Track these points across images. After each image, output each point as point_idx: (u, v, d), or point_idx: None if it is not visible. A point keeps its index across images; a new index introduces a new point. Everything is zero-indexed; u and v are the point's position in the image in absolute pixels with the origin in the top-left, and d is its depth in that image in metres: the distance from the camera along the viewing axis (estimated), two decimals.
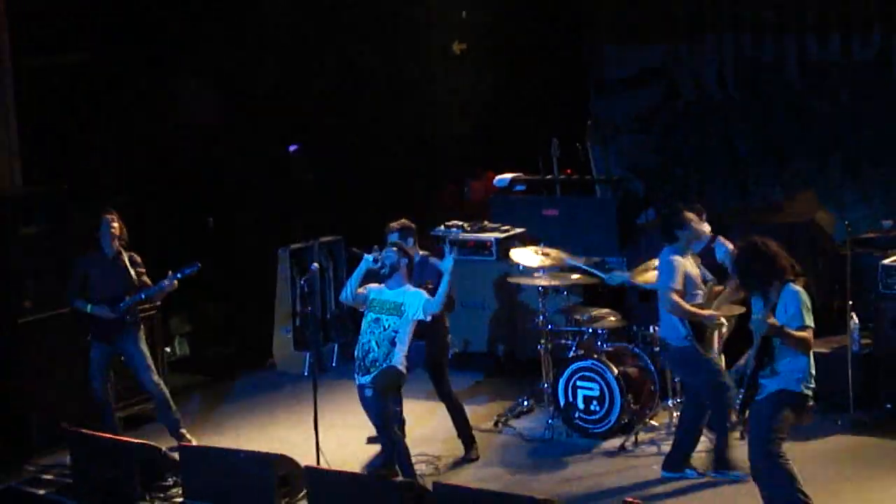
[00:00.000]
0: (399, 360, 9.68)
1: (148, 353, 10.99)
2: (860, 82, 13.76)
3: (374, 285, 9.81)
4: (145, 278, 10.85)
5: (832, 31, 13.84)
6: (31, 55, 12.49)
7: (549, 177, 14.20)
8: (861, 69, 13.74)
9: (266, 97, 14.40)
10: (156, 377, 10.97)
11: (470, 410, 11.65)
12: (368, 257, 9.76)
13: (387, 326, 9.66)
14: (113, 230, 10.77)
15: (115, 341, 10.88)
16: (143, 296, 10.78)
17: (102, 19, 13.09)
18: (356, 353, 9.78)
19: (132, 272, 10.78)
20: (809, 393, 8.24)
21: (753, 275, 8.29)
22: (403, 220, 10.60)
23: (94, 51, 13.16)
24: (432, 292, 9.81)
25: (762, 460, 8.20)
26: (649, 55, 15.15)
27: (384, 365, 9.61)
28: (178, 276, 10.66)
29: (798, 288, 8.17)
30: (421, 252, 10.60)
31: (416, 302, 9.64)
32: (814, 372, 8.24)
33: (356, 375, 9.76)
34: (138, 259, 10.92)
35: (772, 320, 8.02)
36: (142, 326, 11.02)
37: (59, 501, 10.20)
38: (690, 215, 10.02)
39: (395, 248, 9.79)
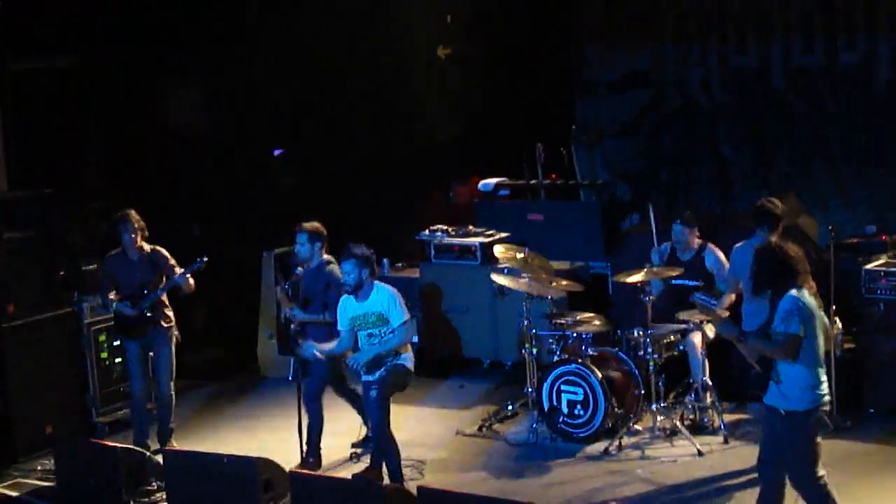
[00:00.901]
0: (407, 357, 9.76)
1: (174, 359, 10.99)
2: (844, 87, 13.79)
3: (346, 298, 9.79)
4: (177, 269, 10.86)
5: (817, 36, 13.88)
6: (17, 58, 12.48)
7: (533, 181, 14.21)
8: (845, 74, 13.77)
9: (251, 101, 14.40)
10: (172, 383, 10.97)
11: (455, 415, 11.71)
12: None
13: (383, 334, 9.69)
14: (133, 228, 10.80)
15: (147, 339, 10.93)
16: (159, 293, 10.79)
17: (89, 23, 13.07)
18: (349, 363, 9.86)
19: (162, 267, 10.84)
20: (815, 407, 8.01)
21: (763, 276, 8.22)
22: (315, 224, 10.64)
23: (82, 55, 13.15)
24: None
25: (799, 483, 8.13)
26: (635, 59, 15.18)
27: (393, 362, 9.64)
28: (188, 273, 10.72)
29: (798, 294, 7.98)
30: (325, 257, 10.61)
31: (391, 306, 9.66)
32: (821, 378, 8.03)
33: (363, 374, 9.79)
34: (164, 254, 10.94)
35: (718, 319, 8.07)
36: (174, 328, 11.00)
37: None
38: None
39: (351, 263, 9.71)
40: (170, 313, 11.02)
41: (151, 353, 11.07)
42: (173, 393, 11.03)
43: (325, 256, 10.68)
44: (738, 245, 10.64)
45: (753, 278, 8.32)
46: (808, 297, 8.04)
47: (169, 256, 10.97)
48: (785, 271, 8.06)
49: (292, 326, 10.47)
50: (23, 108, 12.49)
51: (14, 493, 10.50)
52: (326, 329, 10.46)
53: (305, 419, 10.14)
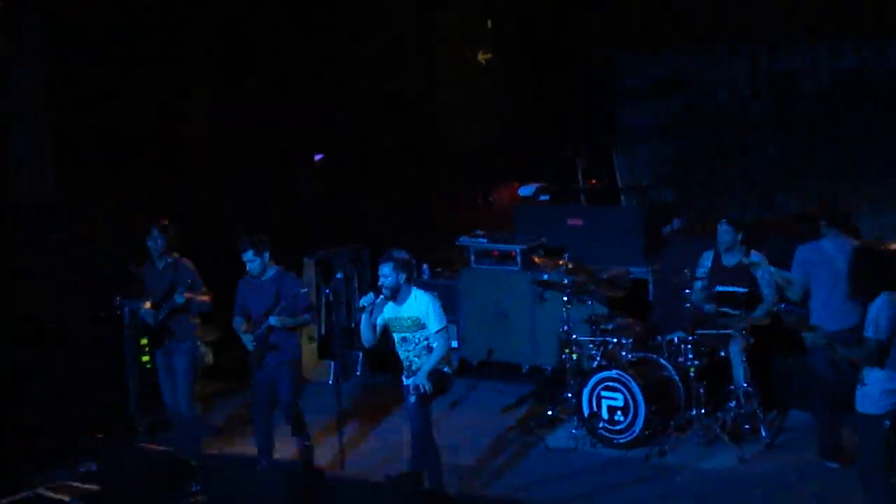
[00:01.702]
0: (446, 362, 9.73)
1: (191, 376, 10.85)
2: (881, 91, 13.69)
3: (381, 300, 9.77)
4: (204, 289, 10.76)
5: (851, 39, 13.79)
6: (63, 62, 12.55)
7: (573, 186, 14.18)
8: (882, 78, 13.66)
9: (293, 107, 14.44)
10: (189, 402, 10.85)
11: (494, 419, 11.69)
12: (364, 298, 9.79)
13: (418, 341, 9.66)
14: (156, 236, 10.76)
15: (167, 350, 10.87)
16: (165, 307, 10.65)
17: (132, 28, 13.13)
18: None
19: (182, 279, 10.65)
20: (887, 412, 7.99)
21: (858, 276, 8.13)
22: (254, 237, 10.50)
23: (127, 60, 13.22)
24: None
25: (868, 484, 8.11)
26: (670, 65, 15.12)
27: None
28: (182, 291, 10.55)
29: (888, 298, 7.90)
30: (276, 266, 10.58)
31: (429, 311, 9.63)
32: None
33: (403, 377, 9.79)
34: (186, 266, 10.80)
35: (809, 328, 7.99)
36: (198, 344, 10.91)
37: None
38: None
39: (389, 266, 9.67)
40: (193, 329, 10.85)
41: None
42: (194, 412, 10.90)
43: (276, 266, 10.62)
44: (805, 244, 10.40)
45: (851, 279, 8.22)
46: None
47: (190, 267, 10.78)
48: (880, 273, 7.98)
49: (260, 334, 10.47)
50: (70, 113, 12.56)
51: (56, 496, 10.55)
52: (294, 334, 10.52)
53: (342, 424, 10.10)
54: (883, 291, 7.93)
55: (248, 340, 10.49)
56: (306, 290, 10.41)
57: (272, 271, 10.54)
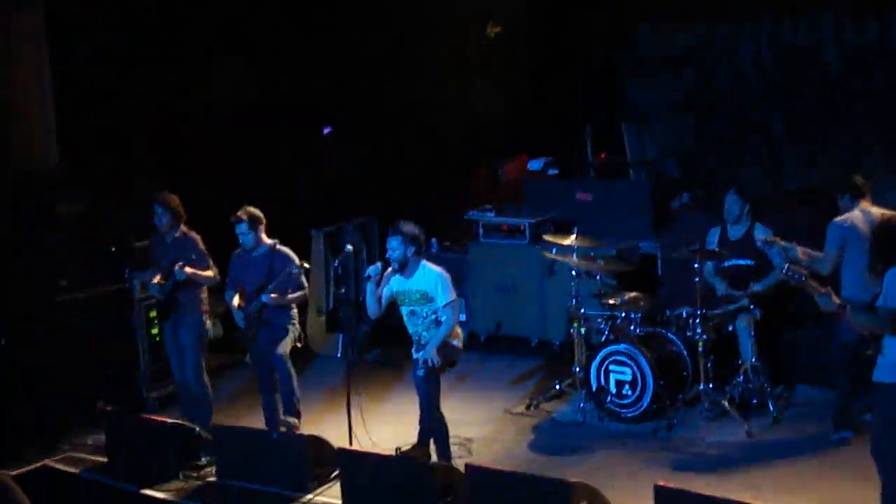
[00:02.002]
0: (455, 335, 9.74)
1: (196, 350, 10.83)
2: (889, 67, 13.63)
3: (388, 272, 9.76)
4: (210, 263, 10.74)
5: (869, 14, 13.71)
6: (66, 35, 12.53)
7: (582, 160, 14.15)
8: (890, 54, 13.61)
9: (301, 79, 14.42)
10: (196, 375, 10.85)
11: (502, 393, 11.71)
12: (370, 269, 9.78)
13: (426, 315, 9.66)
14: (161, 211, 10.75)
15: (173, 324, 10.90)
16: (170, 282, 10.66)
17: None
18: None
19: (188, 252, 10.65)
20: None
21: (880, 247, 8.13)
22: (249, 210, 10.54)
23: (132, 30, 13.20)
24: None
25: (881, 456, 8.10)
26: (685, 38, 15.05)
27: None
28: (183, 266, 10.54)
29: None
30: (270, 240, 10.60)
31: (438, 286, 9.62)
32: None
33: (412, 350, 9.80)
34: (193, 240, 10.77)
35: (834, 298, 7.95)
36: (204, 320, 10.88)
37: (94, 480, 10.29)
38: None
39: (398, 239, 9.64)
40: (199, 303, 10.81)
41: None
42: (203, 386, 10.87)
43: (269, 240, 10.65)
44: (838, 219, 10.30)
45: (880, 254, 8.20)
46: None
47: (198, 243, 10.76)
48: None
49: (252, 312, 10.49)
50: (73, 84, 12.55)
51: (65, 467, 10.61)
52: (286, 312, 10.54)
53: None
54: None
55: (238, 317, 10.52)
56: (299, 269, 10.40)
57: (265, 247, 10.54)
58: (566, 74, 15.14)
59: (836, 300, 8.03)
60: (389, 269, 9.67)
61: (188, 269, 10.52)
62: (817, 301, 8.24)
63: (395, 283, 9.75)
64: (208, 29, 13.64)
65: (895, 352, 7.90)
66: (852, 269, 9.85)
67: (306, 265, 10.47)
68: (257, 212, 10.57)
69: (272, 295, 10.39)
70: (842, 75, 13.95)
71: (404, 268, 9.66)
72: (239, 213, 10.52)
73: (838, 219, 10.07)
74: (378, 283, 9.71)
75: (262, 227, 10.57)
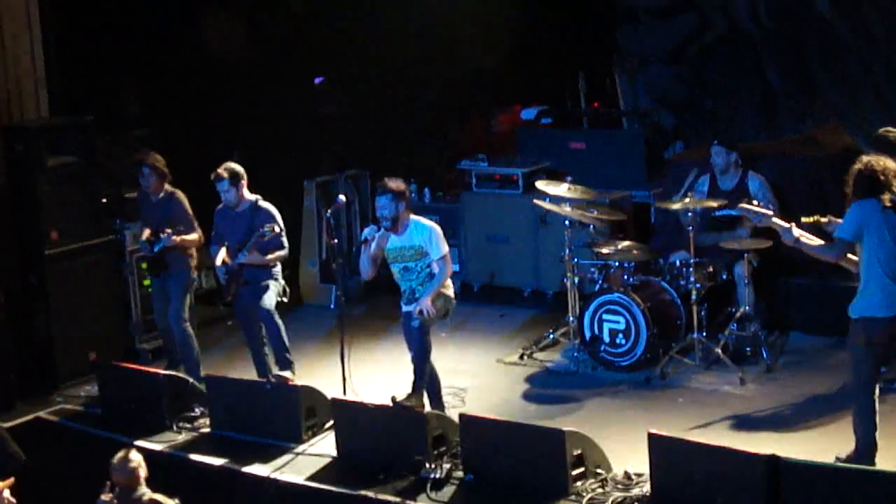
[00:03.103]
0: (448, 286, 9.73)
1: (182, 300, 10.85)
2: (891, 13, 13.55)
3: (382, 232, 9.68)
4: (195, 225, 10.77)
5: None
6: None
7: (575, 109, 14.09)
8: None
9: (292, 30, 14.33)
10: (181, 323, 10.84)
11: (496, 343, 11.71)
12: (366, 231, 9.73)
13: (420, 269, 9.63)
14: (146, 173, 10.74)
15: (162, 279, 10.93)
16: (156, 246, 10.66)
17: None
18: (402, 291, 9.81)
19: (173, 213, 10.70)
20: (862, 317, 8.15)
21: (854, 185, 8.22)
22: (230, 166, 10.49)
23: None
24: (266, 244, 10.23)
25: (854, 391, 8.32)
26: None
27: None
28: (164, 242, 10.60)
29: (860, 205, 8.08)
30: (252, 196, 10.55)
31: (430, 238, 9.59)
32: (877, 290, 8.07)
33: (402, 304, 9.77)
34: (178, 201, 10.80)
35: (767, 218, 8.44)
36: (190, 272, 10.90)
37: (87, 432, 10.30)
38: None
39: (387, 197, 9.56)
40: (188, 258, 10.84)
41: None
42: (185, 332, 10.83)
43: (251, 196, 10.59)
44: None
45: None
46: (874, 207, 8.05)
47: (183, 202, 10.79)
48: (859, 182, 8.10)
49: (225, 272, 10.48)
50: (64, 36, 12.45)
51: (58, 419, 10.61)
52: (267, 269, 10.53)
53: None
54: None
55: (221, 273, 10.51)
56: (280, 229, 10.36)
57: (247, 203, 10.50)
58: (559, 23, 15.04)
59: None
60: (381, 229, 9.62)
61: (175, 238, 10.56)
62: (779, 231, 8.37)
63: (388, 242, 9.71)
64: None
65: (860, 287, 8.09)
66: None
67: (278, 228, 10.40)
68: (238, 168, 10.52)
69: (249, 254, 10.36)
70: (835, 21, 13.87)
71: (396, 224, 9.61)
72: (219, 171, 10.47)
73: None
74: (372, 246, 9.67)
75: (244, 183, 10.52)
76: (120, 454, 7.86)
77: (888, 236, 8.06)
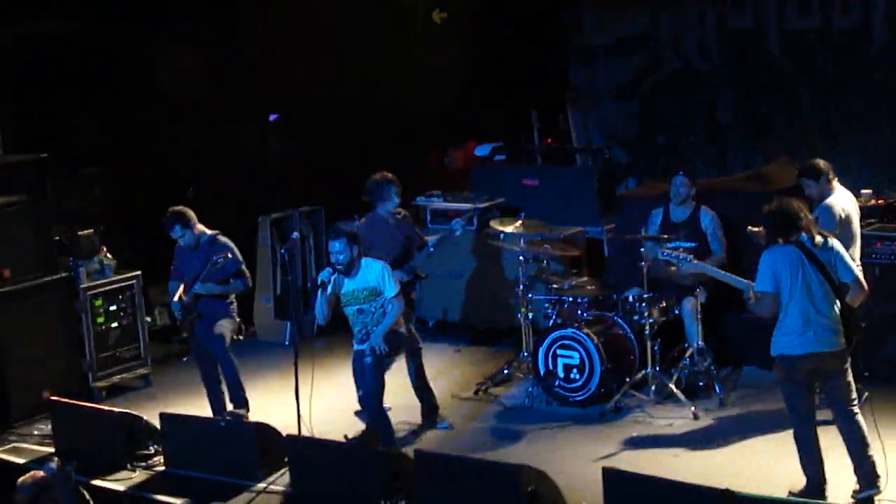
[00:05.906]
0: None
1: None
2: (840, 51, 13.74)
3: (337, 276, 9.74)
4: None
5: (812, 1, 13.81)
6: (11, 22, 12.41)
7: (529, 146, 14.18)
8: (841, 38, 13.71)
9: (245, 68, 14.35)
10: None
11: (450, 379, 11.73)
12: (323, 274, 9.75)
13: (374, 310, 9.69)
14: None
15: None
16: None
17: None
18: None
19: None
20: (779, 354, 8.35)
21: (770, 229, 8.35)
22: (176, 210, 10.49)
23: (77, 19, 13.09)
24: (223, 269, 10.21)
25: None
26: (631, 23, 15.12)
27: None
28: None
29: (768, 254, 8.28)
30: (209, 231, 10.59)
31: (382, 277, 9.66)
32: (791, 328, 8.27)
33: (355, 343, 9.79)
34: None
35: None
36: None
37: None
38: None
39: (341, 242, 9.62)
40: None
41: None
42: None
43: (208, 232, 10.60)
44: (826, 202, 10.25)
45: (768, 232, 8.43)
46: (782, 252, 8.23)
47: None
48: (774, 226, 8.27)
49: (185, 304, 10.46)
50: (17, 73, 12.44)
51: (11, 458, 10.51)
52: (222, 303, 10.52)
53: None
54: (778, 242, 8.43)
55: (176, 308, 10.49)
56: (232, 257, 10.35)
57: (206, 237, 10.51)
58: (513, 60, 15.14)
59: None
60: (335, 272, 9.68)
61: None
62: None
63: (342, 289, 9.76)
64: (153, 17, 13.53)
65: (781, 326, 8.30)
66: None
67: (230, 255, 10.39)
68: (184, 210, 10.52)
69: (203, 284, 10.36)
70: (785, 60, 14.05)
71: (350, 269, 9.68)
72: (167, 220, 10.47)
73: (827, 201, 9.95)
74: (327, 290, 9.71)
75: (195, 221, 10.52)
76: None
77: (800, 275, 8.22)
